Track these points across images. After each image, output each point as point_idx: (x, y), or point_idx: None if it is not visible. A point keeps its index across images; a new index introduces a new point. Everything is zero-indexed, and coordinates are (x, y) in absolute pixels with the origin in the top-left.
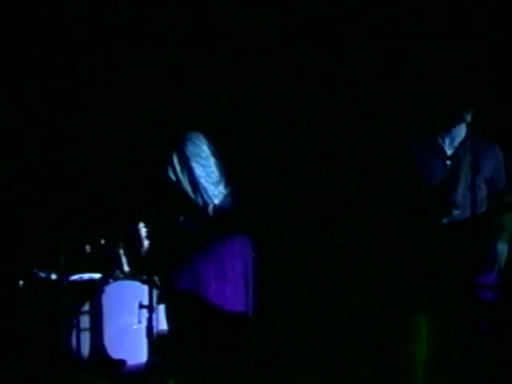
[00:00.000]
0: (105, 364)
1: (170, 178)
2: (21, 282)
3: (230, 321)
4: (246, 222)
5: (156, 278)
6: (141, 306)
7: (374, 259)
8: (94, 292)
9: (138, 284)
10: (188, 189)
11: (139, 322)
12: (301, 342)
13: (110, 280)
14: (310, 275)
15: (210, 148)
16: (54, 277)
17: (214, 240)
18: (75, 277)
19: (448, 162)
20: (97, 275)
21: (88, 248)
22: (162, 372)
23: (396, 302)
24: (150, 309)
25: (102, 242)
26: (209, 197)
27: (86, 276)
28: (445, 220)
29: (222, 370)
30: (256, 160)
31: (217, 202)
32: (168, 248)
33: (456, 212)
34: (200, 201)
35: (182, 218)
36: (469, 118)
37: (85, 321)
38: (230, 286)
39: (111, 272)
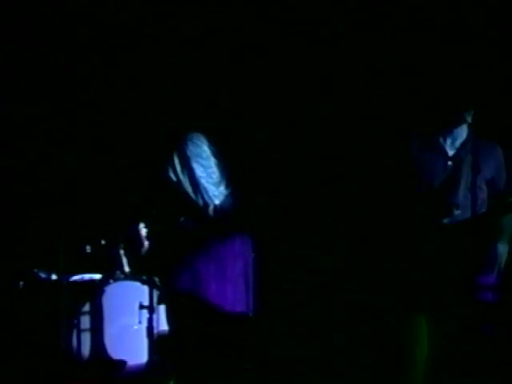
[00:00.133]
0: (105, 364)
1: (171, 179)
2: (21, 283)
3: (230, 321)
4: (246, 223)
5: (156, 279)
6: (141, 307)
7: (374, 259)
8: (95, 292)
9: (138, 284)
10: (188, 189)
11: (139, 322)
12: (301, 342)
13: (111, 280)
14: (309, 275)
15: (210, 148)
16: (54, 277)
17: (215, 240)
18: (76, 277)
19: (449, 163)
20: (97, 275)
21: (88, 248)
22: (162, 372)
23: (396, 301)
24: (151, 309)
25: (103, 242)
26: (209, 197)
27: (87, 276)
28: (445, 220)
29: (222, 370)
30: (256, 160)
31: (217, 202)
32: (168, 248)
33: (457, 212)
34: (200, 201)
35: (182, 219)
36: (469, 118)
37: (85, 321)
38: (230, 286)
39: (111, 272)
